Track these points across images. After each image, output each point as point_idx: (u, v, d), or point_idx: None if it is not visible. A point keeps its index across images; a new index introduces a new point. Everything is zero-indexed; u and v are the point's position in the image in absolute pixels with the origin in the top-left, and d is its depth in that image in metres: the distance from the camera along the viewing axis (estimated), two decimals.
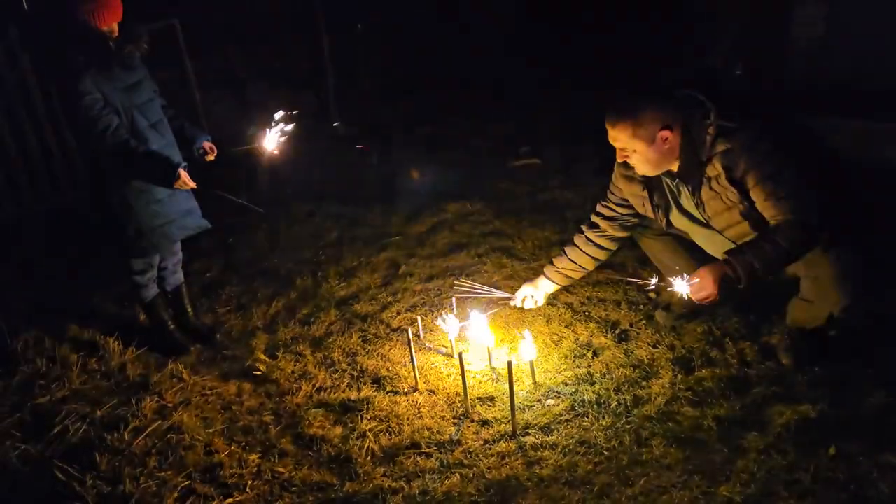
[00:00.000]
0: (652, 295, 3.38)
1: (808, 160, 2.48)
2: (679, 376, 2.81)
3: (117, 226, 3.08)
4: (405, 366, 3.06)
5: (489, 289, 3.31)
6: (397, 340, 3.27)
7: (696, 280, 2.46)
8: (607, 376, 2.87)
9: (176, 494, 2.49)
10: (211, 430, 2.81)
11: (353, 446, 2.65)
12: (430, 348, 3.19)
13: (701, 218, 2.70)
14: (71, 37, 2.78)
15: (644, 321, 3.20)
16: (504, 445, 2.57)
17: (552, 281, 3.19)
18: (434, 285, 3.71)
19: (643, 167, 2.62)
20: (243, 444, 2.74)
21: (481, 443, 2.60)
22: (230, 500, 2.46)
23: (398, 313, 3.49)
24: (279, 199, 5.03)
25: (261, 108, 6.00)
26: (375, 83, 7.15)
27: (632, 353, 3.00)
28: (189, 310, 3.50)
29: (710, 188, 2.55)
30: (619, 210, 3.00)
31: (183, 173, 2.90)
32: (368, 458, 2.59)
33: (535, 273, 3.69)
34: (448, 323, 3.02)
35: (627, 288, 3.47)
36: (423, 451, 2.59)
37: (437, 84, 7.03)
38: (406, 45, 7.09)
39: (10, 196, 5.08)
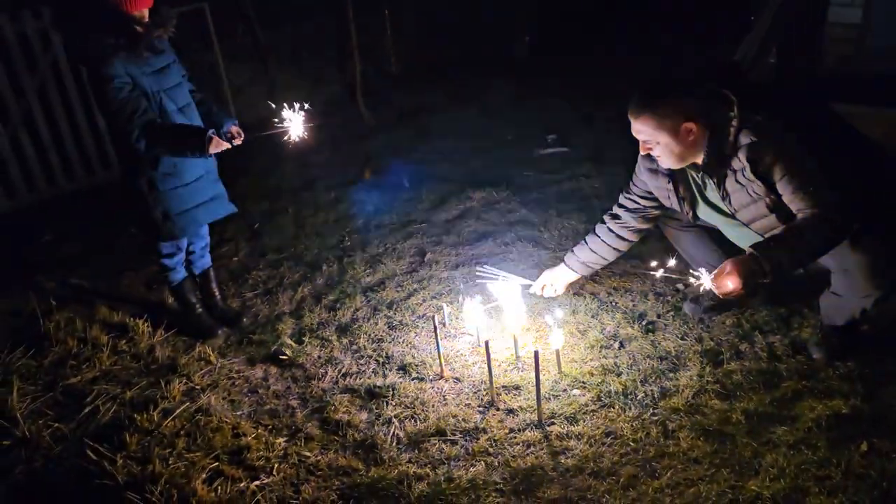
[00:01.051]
0: (679, 286, 3.35)
1: (835, 150, 2.43)
2: (707, 369, 2.78)
3: (146, 209, 3.10)
4: (431, 353, 3.06)
5: (510, 275, 3.28)
6: (423, 327, 3.28)
7: (722, 274, 2.38)
8: (634, 367, 2.85)
9: (204, 475, 2.52)
10: (238, 413, 2.84)
11: (378, 432, 2.66)
12: (455, 336, 3.19)
13: (727, 210, 2.66)
14: (101, 20, 2.80)
15: (671, 312, 3.17)
16: (529, 434, 2.57)
17: (573, 270, 3.17)
18: (460, 273, 3.70)
19: (667, 160, 2.58)
20: (270, 427, 2.76)
21: (506, 431, 2.60)
22: (257, 482, 2.49)
23: (424, 300, 3.49)
24: (304, 184, 5.05)
25: (288, 92, 6.04)
26: (403, 67, 7.12)
27: (659, 344, 2.98)
28: (216, 293, 3.53)
29: (736, 181, 2.52)
30: (643, 202, 2.97)
31: (215, 137, 2.88)
32: (394, 444, 2.60)
33: (562, 260, 3.68)
34: (472, 310, 3.02)
35: (655, 279, 3.43)
36: (448, 438, 2.60)
37: (465, 69, 6.99)
38: (434, 30, 7.04)
39: (42, 177, 5.15)
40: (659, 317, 3.16)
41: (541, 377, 2.60)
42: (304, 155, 3.24)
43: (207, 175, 3.17)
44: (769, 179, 2.43)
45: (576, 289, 3.43)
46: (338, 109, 6.28)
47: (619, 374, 2.82)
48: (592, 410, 2.65)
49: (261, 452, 2.62)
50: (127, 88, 2.84)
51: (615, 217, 3.05)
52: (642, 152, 2.63)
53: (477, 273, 3.32)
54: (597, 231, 3.09)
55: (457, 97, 6.56)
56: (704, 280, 2.43)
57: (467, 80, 6.87)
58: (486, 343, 2.75)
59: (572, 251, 3.17)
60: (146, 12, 2.87)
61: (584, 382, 2.80)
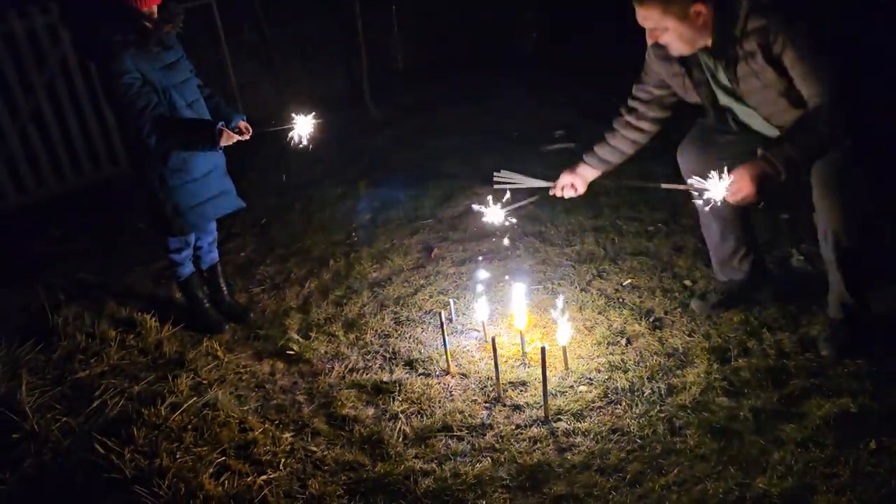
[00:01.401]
0: (688, 283, 3.34)
1: (846, 43, 2.39)
2: (715, 366, 2.77)
3: (155, 204, 3.12)
4: (437, 349, 3.06)
5: (528, 179, 3.09)
6: (429, 323, 3.28)
7: (733, 180, 2.32)
8: (641, 364, 2.84)
9: (211, 470, 2.53)
10: (245, 408, 2.85)
11: (384, 427, 2.66)
12: (462, 332, 3.19)
13: (738, 94, 2.60)
14: (111, 16, 2.81)
15: (679, 309, 3.16)
16: (536, 430, 2.57)
17: (593, 168, 3.04)
18: (466, 269, 3.70)
19: (677, 45, 2.50)
20: (277, 422, 2.77)
21: (513, 427, 2.60)
22: (264, 477, 2.50)
23: (430, 296, 3.49)
24: (311, 180, 5.05)
25: (294, 88, 6.04)
26: (409, 64, 7.11)
27: (666, 341, 2.97)
28: (224, 288, 3.54)
29: (747, 65, 2.45)
30: (657, 92, 2.87)
31: (225, 130, 2.88)
32: (400, 439, 2.60)
33: (569, 258, 3.68)
34: (479, 306, 3.02)
35: (662, 275, 3.42)
36: (454, 434, 2.60)
37: (472, 65, 6.97)
38: (441, 26, 7.02)
39: (51, 172, 5.17)
40: (666, 313, 3.15)
41: (547, 373, 2.60)
42: (311, 151, 3.24)
43: (216, 170, 3.18)
44: (780, 64, 2.37)
45: (583, 285, 3.42)
46: (344, 105, 6.28)
47: (625, 371, 2.81)
48: (599, 407, 2.65)
49: (268, 447, 2.63)
50: (137, 84, 2.85)
51: (632, 110, 2.94)
52: (650, 41, 2.56)
53: (494, 182, 3.13)
54: (615, 126, 2.99)
55: (463, 93, 6.54)
56: (716, 189, 2.35)
57: (474, 75, 6.85)
58: (493, 339, 2.75)
59: (592, 150, 3.05)
60: (155, 8, 2.87)
61: (590, 379, 2.79)
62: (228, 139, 2.90)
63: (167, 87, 2.95)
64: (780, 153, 2.28)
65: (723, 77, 2.61)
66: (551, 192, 3.11)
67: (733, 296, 3.10)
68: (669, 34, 2.46)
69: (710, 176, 2.34)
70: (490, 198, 3.03)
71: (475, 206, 3.08)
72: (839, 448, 2.31)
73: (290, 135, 3.09)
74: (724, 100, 2.71)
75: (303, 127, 3.09)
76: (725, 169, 2.32)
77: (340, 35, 6.56)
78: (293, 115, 3.07)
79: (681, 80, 2.71)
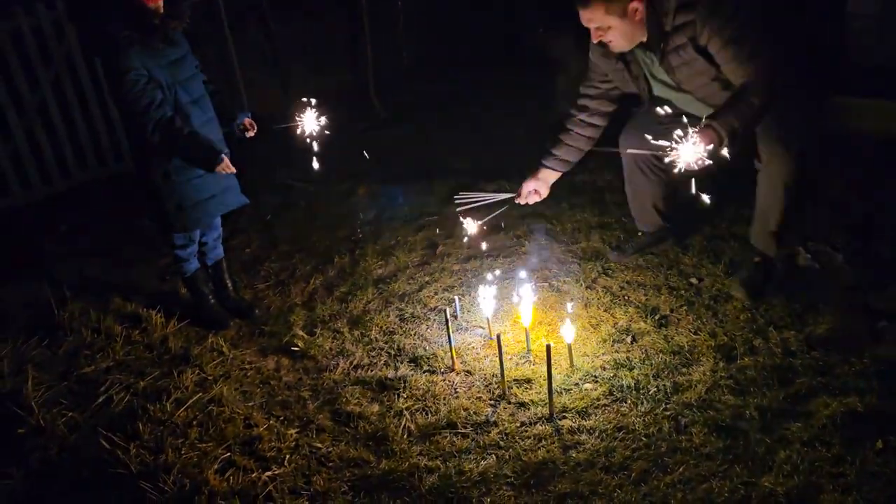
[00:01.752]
0: (693, 281, 3.33)
1: (762, 22, 2.70)
2: (720, 364, 2.77)
3: (159, 200, 3.12)
4: (442, 346, 3.06)
5: (490, 195, 3.28)
6: (434, 320, 3.27)
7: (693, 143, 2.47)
8: (646, 362, 2.84)
9: (216, 465, 2.53)
10: (250, 404, 2.85)
11: (389, 424, 2.66)
12: (467, 329, 3.18)
13: (674, 84, 2.88)
14: (117, 11, 2.81)
15: (685, 307, 3.15)
16: (541, 428, 2.56)
17: (554, 169, 3.28)
18: (471, 266, 3.69)
19: (619, 42, 2.77)
20: (282, 418, 2.77)
21: (518, 425, 2.59)
22: (269, 472, 2.50)
23: (435, 293, 3.49)
24: (318, 176, 5.04)
25: (300, 84, 6.03)
26: (415, 61, 7.09)
27: (672, 339, 2.96)
28: (229, 285, 3.54)
29: (678, 56, 2.74)
30: (604, 86, 3.14)
31: (226, 160, 2.95)
32: (405, 436, 2.60)
33: (575, 255, 3.67)
34: (484, 303, 3.02)
35: (668, 273, 3.41)
36: (459, 431, 2.60)
37: (477, 62, 6.95)
38: (447, 22, 7.00)
39: (56, 169, 5.18)
40: (672, 311, 3.14)
41: (552, 371, 2.59)
42: (316, 147, 3.24)
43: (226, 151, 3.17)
44: (708, 53, 2.67)
45: (588, 283, 3.41)
46: (350, 101, 6.27)
47: (631, 369, 2.80)
48: (604, 405, 2.64)
49: (272, 443, 2.63)
50: (143, 81, 2.84)
51: (583, 108, 3.20)
52: (594, 40, 2.80)
53: (456, 204, 3.32)
54: (569, 126, 3.23)
55: (468, 90, 6.53)
56: (683, 151, 2.47)
57: (479, 72, 6.83)
58: (498, 336, 2.74)
59: (550, 152, 3.27)
60: (161, 4, 2.86)
61: (595, 377, 2.79)
62: (226, 169, 2.97)
63: (172, 83, 2.95)
64: (724, 122, 2.52)
65: (658, 70, 2.89)
66: (516, 201, 3.33)
67: (648, 244, 3.53)
68: (612, 32, 2.72)
69: (679, 140, 2.47)
70: (465, 221, 3.27)
71: (463, 221, 3.29)
72: (845, 447, 2.31)
73: (298, 132, 3.09)
74: (658, 90, 3.01)
75: (308, 124, 3.09)
76: (690, 132, 2.47)
77: (346, 32, 6.55)
78: (298, 115, 3.08)
79: (621, 74, 3.01)
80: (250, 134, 3.26)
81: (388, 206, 4.57)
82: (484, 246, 3.78)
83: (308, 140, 3.15)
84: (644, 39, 2.76)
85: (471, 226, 3.20)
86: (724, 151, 2.51)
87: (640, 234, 3.60)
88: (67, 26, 4.95)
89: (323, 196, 4.75)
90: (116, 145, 5.37)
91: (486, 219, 3.29)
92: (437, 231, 4.12)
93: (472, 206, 3.24)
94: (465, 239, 3.23)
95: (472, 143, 5.40)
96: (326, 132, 3.17)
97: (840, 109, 4.67)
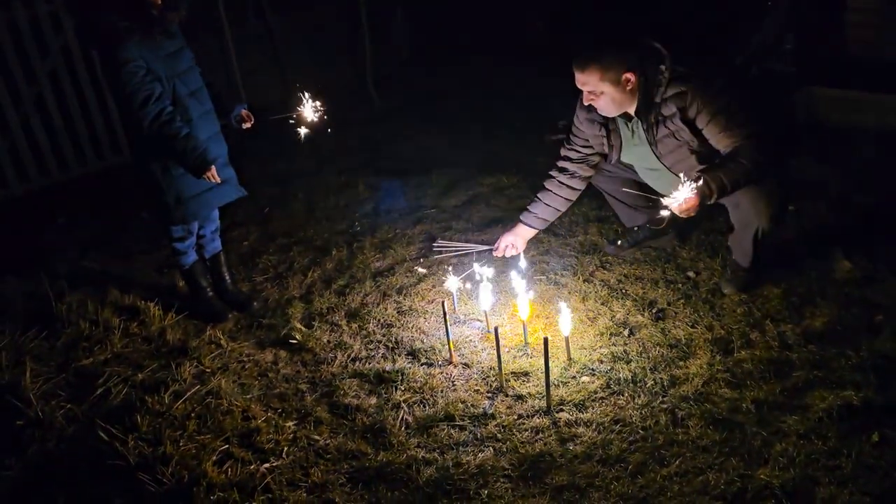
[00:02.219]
0: (691, 274, 3.34)
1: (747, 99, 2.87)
2: (717, 357, 2.77)
3: (158, 193, 3.11)
4: (440, 338, 3.06)
5: (468, 245, 3.40)
6: (432, 313, 3.28)
7: (686, 197, 2.63)
8: (644, 355, 2.84)
9: (214, 458, 2.54)
10: (248, 396, 2.86)
11: (387, 417, 2.67)
12: (464, 322, 3.19)
13: (652, 155, 3.00)
14: (115, 3, 2.79)
15: (682, 300, 3.16)
16: (538, 421, 2.57)
17: (531, 226, 3.40)
18: (469, 259, 3.69)
19: (608, 108, 2.89)
20: (279, 410, 2.78)
21: (515, 417, 2.60)
22: (267, 465, 2.50)
23: (433, 286, 3.49)
24: (314, 169, 5.05)
25: (299, 76, 6.02)
26: (414, 52, 7.08)
27: (669, 332, 2.97)
28: (227, 277, 3.54)
29: (665, 126, 2.86)
30: (584, 150, 3.26)
31: (213, 169, 2.98)
32: (402, 428, 2.61)
33: (572, 248, 3.68)
34: (481, 296, 3.03)
35: (665, 266, 3.42)
36: (456, 423, 2.60)
37: (476, 54, 6.94)
38: (446, 14, 6.98)
39: (54, 161, 5.17)
40: (669, 304, 3.14)
41: (550, 364, 2.60)
42: (313, 139, 3.24)
43: (218, 159, 3.17)
44: (696, 125, 2.80)
45: (586, 276, 3.42)
46: (348, 93, 6.26)
47: (628, 362, 2.81)
48: (601, 397, 2.65)
49: (270, 435, 2.64)
50: (141, 73, 2.83)
51: (563, 170, 3.32)
52: (585, 102, 2.92)
53: (434, 250, 3.47)
54: (548, 187, 3.35)
55: (467, 81, 6.52)
56: (670, 202, 2.63)
57: (478, 64, 6.82)
58: (496, 329, 2.75)
59: (528, 210, 3.40)
60: None
61: (593, 369, 2.79)
62: (212, 178, 3.00)
63: (171, 75, 2.94)
64: (715, 178, 2.67)
65: (638, 140, 3.01)
66: (494, 254, 3.47)
67: (644, 238, 3.57)
68: (604, 98, 2.84)
69: (677, 188, 2.63)
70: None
71: (420, 270, 3.51)
72: (841, 440, 2.31)
73: (296, 129, 3.10)
74: (626, 158, 3.16)
75: (306, 116, 3.09)
76: (684, 180, 2.62)
77: (344, 23, 6.54)
78: (295, 106, 3.08)
79: (601, 140, 3.13)
80: (247, 125, 3.26)
81: (391, 191, 4.58)
82: (483, 238, 3.78)
83: (305, 131, 3.14)
84: (631, 110, 2.89)
85: (452, 284, 3.21)
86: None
87: (635, 228, 3.60)
88: (65, 18, 4.94)
89: (320, 189, 4.75)
90: (114, 138, 5.36)
91: (464, 275, 3.36)
92: (435, 224, 4.12)
93: (450, 254, 3.34)
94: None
95: (471, 135, 5.40)
96: (325, 125, 3.17)
97: (837, 103, 4.68)
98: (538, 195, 3.38)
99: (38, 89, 4.99)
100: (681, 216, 2.70)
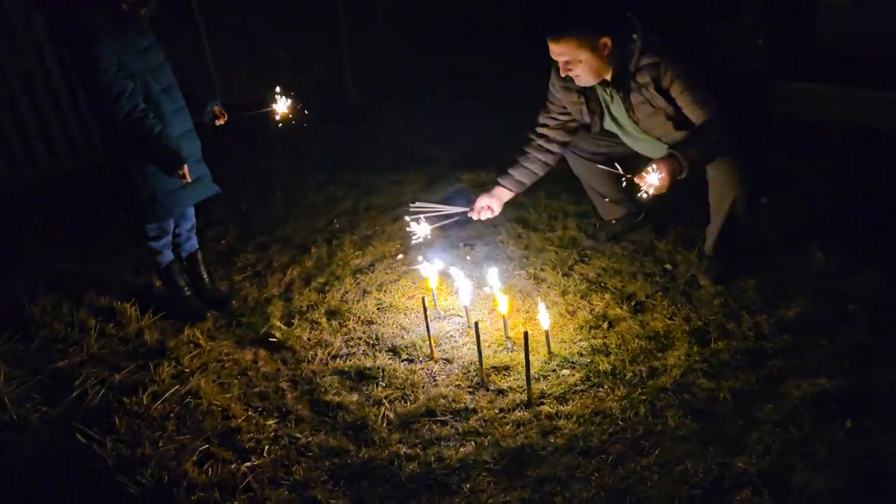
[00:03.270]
0: (668, 267, 3.37)
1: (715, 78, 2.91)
2: (695, 348, 2.81)
3: (131, 191, 3.08)
4: (420, 335, 3.07)
5: (443, 207, 3.34)
6: (413, 309, 3.28)
7: (655, 171, 2.69)
8: (623, 347, 2.87)
9: (194, 458, 2.52)
10: (228, 396, 2.84)
11: (368, 413, 2.67)
12: (445, 317, 3.19)
13: (630, 121, 3.03)
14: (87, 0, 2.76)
15: (660, 293, 3.19)
16: (519, 414, 2.58)
17: (507, 188, 3.38)
18: (449, 255, 3.70)
19: (586, 76, 2.87)
20: (260, 409, 2.76)
21: (496, 411, 2.61)
22: (248, 464, 2.49)
23: (413, 282, 3.49)
24: (292, 166, 5.02)
25: (275, 74, 5.98)
26: (392, 49, 7.06)
27: (647, 324, 3.00)
28: (205, 276, 3.51)
29: (640, 94, 2.89)
30: (562, 118, 3.28)
31: (185, 168, 2.95)
32: (384, 424, 2.61)
33: (552, 243, 3.70)
34: (461, 291, 3.04)
35: (644, 259, 3.45)
36: (438, 418, 2.61)
37: (455, 49, 6.94)
38: (425, 9, 6.98)
39: (27, 161, 5.08)
40: (647, 297, 3.17)
41: (530, 358, 2.61)
42: (291, 137, 3.23)
43: (192, 157, 3.15)
44: (669, 94, 2.84)
45: (565, 270, 3.44)
46: (326, 90, 6.23)
47: (607, 354, 2.83)
48: (581, 390, 2.67)
49: (251, 434, 2.62)
50: (113, 69, 2.80)
51: (541, 136, 3.34)
52: (563, 73, 2.90)
53: (408, 214, 3.39)
54: (526, 150, 3.36)
55: (446, 78, 6.52)
56: (642, 179, 2.70)
57: (457, 60, 6.83)
58: (476, 324, 2.75)
59: (507, 172, 3.38)
60: None
61: (573, 362, 2.81)
62: (184, 177, 2.98)
63: (143, 71, 2.91)
64: (686, 154, 2.71)
65: (617, 107, 3.04)
66: (470, 215, 3.40)
67: (622, 232, 3.66)
68: (581, 66, 2.83)
69: (649, 171, 2.69)
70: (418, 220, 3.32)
71: (408, 220, 3.38)
72: (816, 427, 2.35)
73: (270, 118, 3.08)
74: (609, 126, 3.18)
75: (281, 108, 3.08)
76: (651, 168, 2.68)
77: (322, 20, 6.50)
78: (270, 103, 3.07)
79: (579, 107, 3.15)
80: (220, 122, 3.24)
81: (370, 188, 4.56)
82: (463, 233, 3.79)
83: (280, 126, 3.13)
84: (608, 77, 2.90)
85: (422, 228, 3.27)
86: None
87: (613, 221, 3.63)
88: (35, 15, 4.86)
89: (299, 186, 4.72)
90: (88, 137, 5.29)
91: (435, 225, 3.36)
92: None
93: (425, 215, 3.31)
94: (414, 238, 3.27)
95: (451, 132, 5.40)
96: (301, 122, 3.16)
97: (809, 97, 4.75)
98: (517, 158, 3.37)
99: (8, 89, 4.90)
100: (658, 194, 2.74)
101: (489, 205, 3.37)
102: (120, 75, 2.81)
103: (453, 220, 3.38)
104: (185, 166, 2.95)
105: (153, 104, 2.93)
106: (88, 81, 2.84)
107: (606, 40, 2.78)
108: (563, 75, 2.92)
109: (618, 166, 2.85)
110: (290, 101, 3.18)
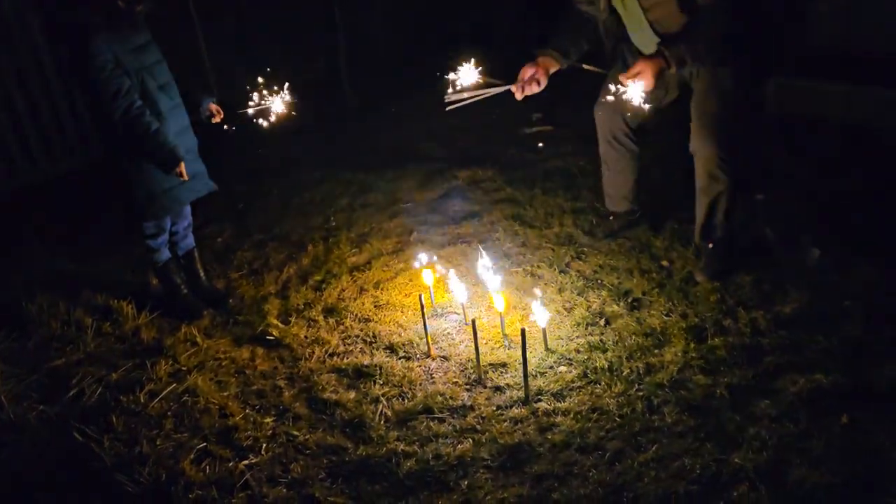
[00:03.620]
0: (665, 263, 3.38)
1: None
2: (692, 345, 2.81)
3: (128, 188, 3.08)
4: (418, 332, 3.07)
5: (482, 91, 3.09)
6: (409, 307, 3.28)
7: (637, 68, 2.76)
8: (619, 344, 2.87)
9: (192, 456, 2.52)
10: (225, 394, 2.84)
11: (366, 411, 2.67)
12: (442, 315, 3.19)
13: (640, 7, 2.92)
14: None
15: (656, 289, 3.19)
16: (516, 411, 2.59)
17: (552, 55, 3.13)
18: (446, 252, 3.70)
19: None
20: (258, 407, 2.77)
21: (494, 408, 2.61)
22: (245, 461, 2.49)
23: (410, 280, 3.49)
24: (289, 164, 5.01)
25: (272, 72, 5.96)
26: (389, 47, 7.05)
27: (644, 321, 3.00)
28: (201, 274, 3.51)
29: None
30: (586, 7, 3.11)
31: (182, 166, 2.96)
32: (382, 422, 2.61)
33: (548, 240, 3.70)
34: (458, 289, 3.04)
35: (640, 256, 3.45)
36: (435, 416, 2.61)
37: (452, 48, 6.92)
38: (423, 7, 6.96)
39: (25, 160, 5.07)
40: (644, 294, 3.18)
41: (527, 355, 2.62)
42: (287, 135, 3.23)
43: (188, 154, 3.14)
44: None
45: (562, 267, 3.44)
46: (322, 89, 6.22)
47: (604, 351, 2.84)
48: (579, 387, 2.67)
49: (249, 432, 2.63)
50: (110, 67, 2.80)
51: (579, 5, 3.14)
52: None
53: (446, 101, 3.15)
54: (568, 14, 3.17)
55: (443, 76, 6.50)
56: (625, 80, 2.77)
57: (454, 57, 6.81)
58: (473, 322, 2.76)
59: (548, 38, 3.17)
60: None
61: (570, 359, 2.82)
62: (180, 175, 2.98)
63: (139, 69, 2.91)
64: (674, 51, 2.75)
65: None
66: (515, 93, 3.14)
67: (620, 229, 3.63)
68: None
69: (624, 86, 2.78)
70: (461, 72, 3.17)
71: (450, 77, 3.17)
72: (812, 423, 2.36)
73: (266, 116, 3.08)
74: (616, 3, 2.99)
75: (276, 107, 3.08)
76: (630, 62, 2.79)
77: (319, 18, 6.48)
78: (266, 98, 3.06)
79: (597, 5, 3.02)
80: (216, 120, 3.24)
81: (367, 186, 4.55)
82: (459, 231, 3.79)
83: (272, 123, 3.13)
84: None
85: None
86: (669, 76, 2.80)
87: (610, 217, 3.64)
88: (31, 14, 4.84)
89: (295, 184, 4.72)
90: (84, 136, 5.27)
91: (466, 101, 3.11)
92: (411, 218, 4.12)
93: (464, 103, 3.02)
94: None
95: (447, 129, 5.39)
96: (299, 120, 3.15)
97: (806, 94, 4.74)
98: (557, 25, 3.14)
99: (5, 89, 4.88)
100: (638, 85, 2.75)
101: (535, 77, 3.08)
102: (116, 72, 2.81)
103: (500, 90, 3.11)
104: (182, 164, 2.95)
105: (150, 101, 2.93)
106: (85, 79, 2.84)
107: None
108: None
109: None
110: (284, 99, 3.18)
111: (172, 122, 3.03)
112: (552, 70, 3.13)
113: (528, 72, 3.09)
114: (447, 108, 3.04)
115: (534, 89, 3.10)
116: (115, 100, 2.80)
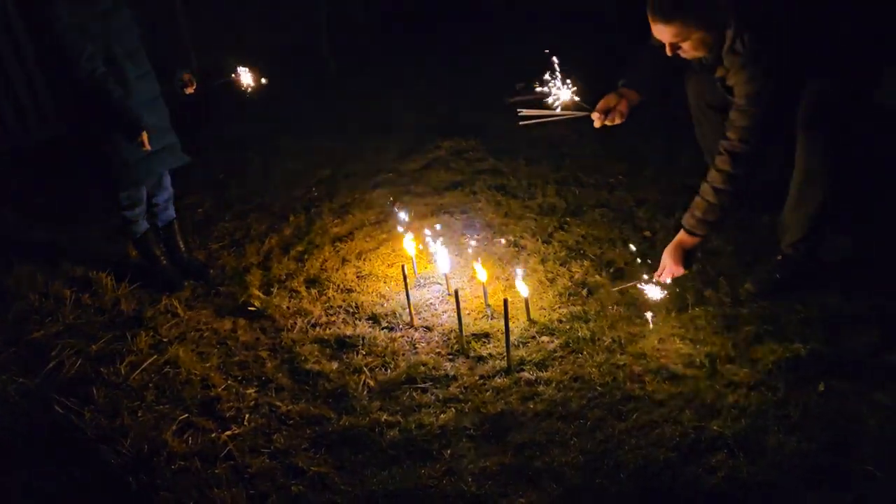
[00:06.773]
0: (647, 234, 3.38)
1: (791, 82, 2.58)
2: (672, 314, 2.83)
3: (102, 159, 3.03)
4: (400, 302, 3.06)
5: (558, 113, 2.88)
6: (392, 277, 3.27)
7: (666, 269, 2.75)
8: (601, 314, 2.89)
9: (174, 427, 2.52)
10: (207, 365, 2.83)
11: (349, 381, 2.67)
12: (425, 285, 3.19)
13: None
14: None
15: (638, 260, 3.20)
16: (499, 381, 2.60)
17: (638, 88, 2.89)
18: (428, 222, 3.68)
19: (698, 50, 2.50)
20: (240, 378, 2.76)
21: (477, 378, 2.63)
22: (228, 432, 2.49)
23: (393, 250, 3.47)
24: (270, 134, 4.94)
25: (252, 40, 5.85)
26: (371, 16, 6.93)
27: (626, 291, 3.01)
28: (181, 245, 3.47)
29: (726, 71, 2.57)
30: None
31: (144, 135, 2.90)
32: (365, 392, 2.62)
33: (531, 210, 3.69)
34: (441, 259, 3.03)
35: (623, 226, 3.46)
36: (418, 385, 2.62)
37: (435, 15, 6.83)
38: None
39: None
40: (626, 264, 3.19)
41: (510, 325, 2.63)
42: (268, 104, 3.17)
43: (158, 124, 3.07)
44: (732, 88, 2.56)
45: (545, 237, 3.44)
46: (303, 57, 6.12)
47: (587, 321, 2.85)
48: (561, 356, 2.69)
49: (231, 403, 2.62)
50: (72, 32, 2.73)
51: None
52: (669, 54, 2.54)
53: (519, 118, 2.95)
54: (639, 53, 2.89)
55: (427, 45, 6.42)
56: (656, 283, 2.79)
57: (439, 28, 6.72)
58: (456, 292, 2.76)
59: (627, 73, 2.91)
60: None
61: (552, 329, 2.83)
62: (143, 145, 2.93)
63: (106, 34, 2.84)
64: (695, 222, 2.64)
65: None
66: (596, 124, 2.89)
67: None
68: (692, 42, 2.45)
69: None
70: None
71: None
72: (790, 390, 2.40)
73: (244, 86, 3.03)
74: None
75: (251, 77, 3.03)
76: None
77: None
78: (238, 67, 3.01)
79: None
80: (190, 90, 3.18)
81: (349, 155, 4.50)
82: (442, 201, 3.77)
83: (248, 94, 3.08)
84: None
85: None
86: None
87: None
88: None
89: (275, 154, 4.66)
90: (59, 105, 5.15)
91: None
92: (394, 188, 4.09)
93: (535, 121, 2.88)
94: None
95: (429, 98, 5.34)
96: (276, 89, 3.10)
97: None
98: (634, 59, 2.89)
99: None
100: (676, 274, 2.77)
101: (619, 108, 2.85)
102: (77, 37, 2.73)
103: (575, 116, 2.89)
104: (145, 133, 2.90)
105: (116, 69, 2.86)
106: (48, 44, 2.77)
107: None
108: (669, 55, 2.55)
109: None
110: (253, 70, 3.12)
111: (140, 91, 2.97)
112: (634, 104, 2.90)
113: (611, 102, 2.87)
114: (521, 123, 2.93)
115: (616, 121, 2.89)
116: (77, 64, 2.73)
